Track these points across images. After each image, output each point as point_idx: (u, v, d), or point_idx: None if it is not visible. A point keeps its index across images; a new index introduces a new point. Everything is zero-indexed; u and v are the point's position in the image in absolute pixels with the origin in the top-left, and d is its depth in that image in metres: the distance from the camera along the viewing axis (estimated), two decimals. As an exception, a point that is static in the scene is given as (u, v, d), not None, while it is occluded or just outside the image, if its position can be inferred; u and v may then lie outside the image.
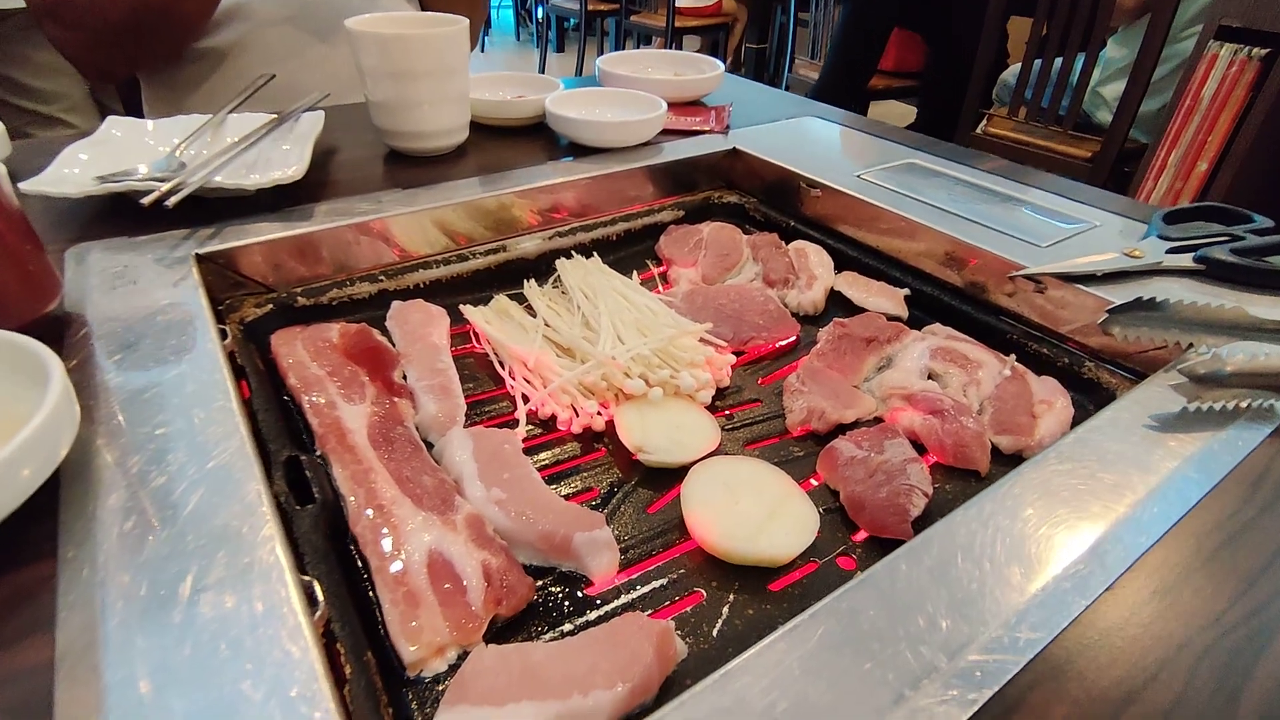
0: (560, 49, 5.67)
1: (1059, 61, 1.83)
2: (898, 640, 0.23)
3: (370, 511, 0.32)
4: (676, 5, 3.67)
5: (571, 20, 5.06)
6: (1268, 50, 1.49)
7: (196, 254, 0.44)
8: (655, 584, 0.32)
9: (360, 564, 0.31)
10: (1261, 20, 1.51)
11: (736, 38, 4.20)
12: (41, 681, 0.20)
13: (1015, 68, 1.98)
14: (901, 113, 3.17)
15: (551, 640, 0.29)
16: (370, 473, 0.34)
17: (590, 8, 4.18)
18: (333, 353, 0.43)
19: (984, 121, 2.11)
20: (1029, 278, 0.47)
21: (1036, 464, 0.31)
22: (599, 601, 0.31)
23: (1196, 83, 1.59)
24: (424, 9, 1.01)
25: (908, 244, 0.56)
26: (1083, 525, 0.27)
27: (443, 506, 0.33)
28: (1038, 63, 1.89)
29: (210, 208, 0.49)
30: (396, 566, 0.30)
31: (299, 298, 0.49)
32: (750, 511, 0.34)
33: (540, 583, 0.32)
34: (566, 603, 0.31)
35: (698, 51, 3.67)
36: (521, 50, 5.78)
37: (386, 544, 0.31)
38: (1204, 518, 0.28)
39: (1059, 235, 0.51)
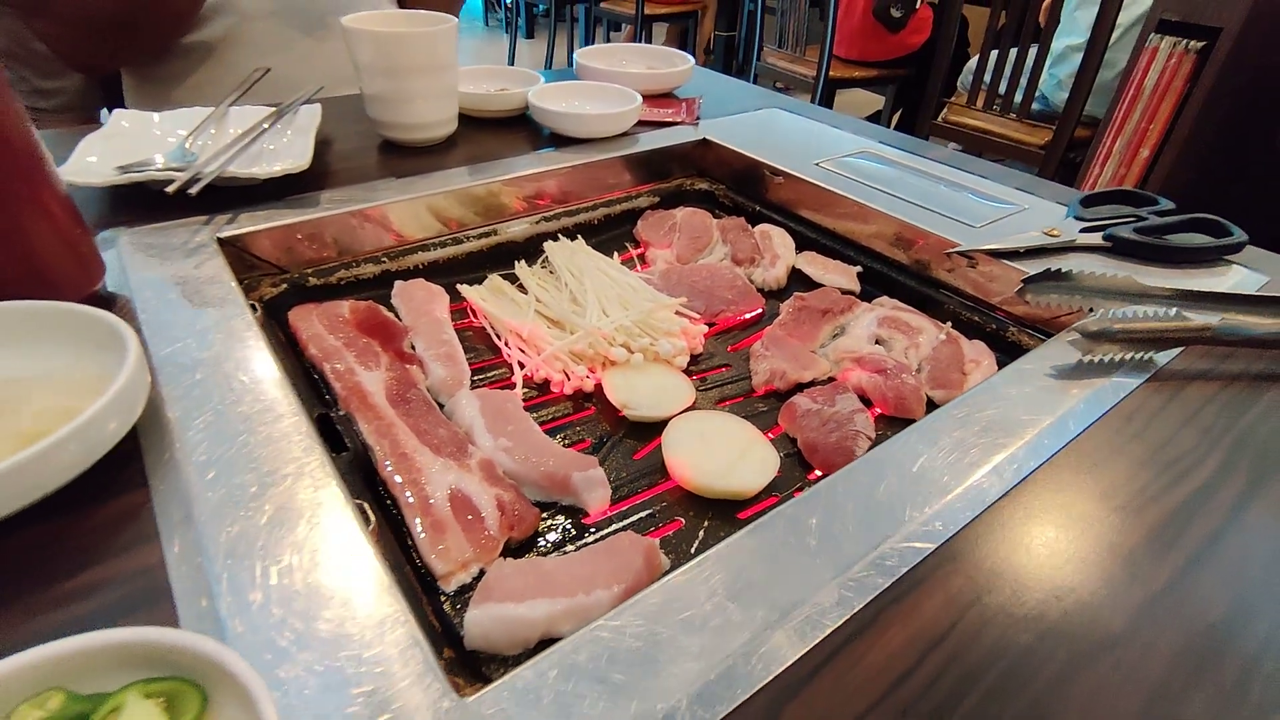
0: (530, 35, 5.63)
1: (1014, 52, 1.92)
2: (834, 538, 0.29)
3: (396, 458, 0.37)
4: (646, -8, 3.69)
5: (540, 6, 5.04)
6: (1203, 43, 1.58)
7: (218, 238, 0.48)
8: (642, 514, 0.38)
9: (390, 502, 0.36)
10: (1198, 14, 1.60)
11: (707, 25, 4.24)
12: (159, 575, 0.25)
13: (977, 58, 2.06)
14: (865, 100, 3.25)
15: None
16: (392, 427, 0.40)
17: (560, -7, 4.16)
18: (346, 326, 0.48)
19: (944, 110, 2.19)
20: (963, 254, 0.53)
21: (954, 405, 0.37)
22: (594, 529, 0.37)
23: (1139, 73, 1.68)
24: (403, 5, 1.04)
25: (861, 226, 0.62)
26: (987, 451, 0.34)
27: (458, 453, 0.38)
28: (994, 53, 1.97)
29: (220, 195, 0.53)
30: (424, 501, 0.35)
31: (310, 278, 0.53)
32: (722, 455, 0.40)
33: (545, 514, 0.37)
34: (568, 528, 0.37)
35: (666, 38, 3.68)
36: (490, 36, 5.73)
37: (414, 484, 0.36)
38: (1088, 444, 0.35)
39: (992, 216, 0.58)
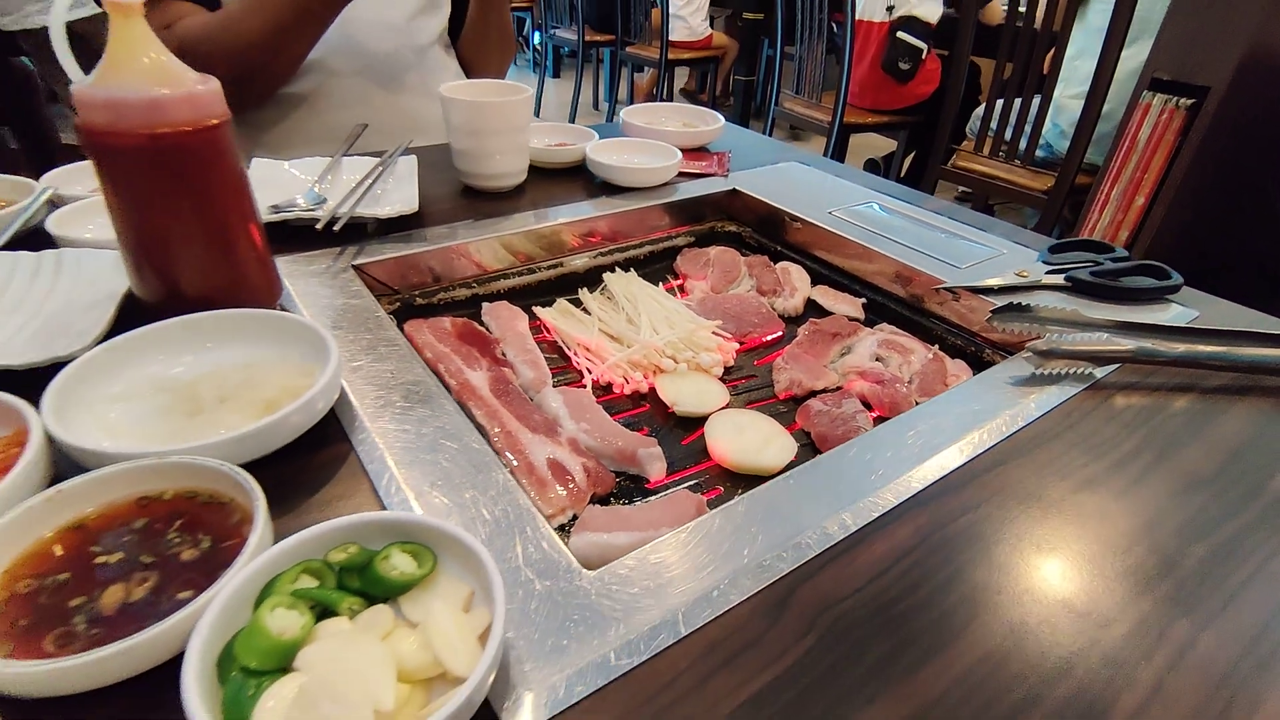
0: (556, 75, 5.88)
1: (1019, 101, 2.05)
2: (829, 490, 0.40)
3: (504, 435, 0.49)
4: (669, 39, 3.89)
5: (566, 48, 5.28)
6: (1193, 100, 1.71)
7: (353, 265, 0.61)
8: (690, 483, 0.49)
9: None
10: (1189, 74, 1.73)
11: (726, 69, 4.44)
12: (369, 490, 0.37)
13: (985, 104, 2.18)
14: (879, 141, 3.39)
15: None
16: (498, 413, 0.51)
17: (587, 38, 4.38)
18: (449, 337, 0.60)
19: (954, 156, 2.32)
20: (948, 290, 0.65)
21: (933, 402, 0.48)
22: (654, 492, 0.48)
23: (1134, 127, 1.80)
24: (460, 57, 1.20)
25: (866, 265, 0.74)
26: (954, 435, 0.45)
27: (550, 433, 0.50)
28: (1000, 101, 2.11)
29: (345, 230, 0.66)
30: (528, 465, 0.47)
31: (417, 298, 0.66)
32: (752, 441, 0.52)
33: (618, 479, 0.49)
34: (634, 490, 0.48)
35: (687, 80, 3.86)
36: (518, 75, 5.97)
37: (519, 453, 0.47)
38: (1030, 434, 0.46)
39: (975, 259, 0.69)
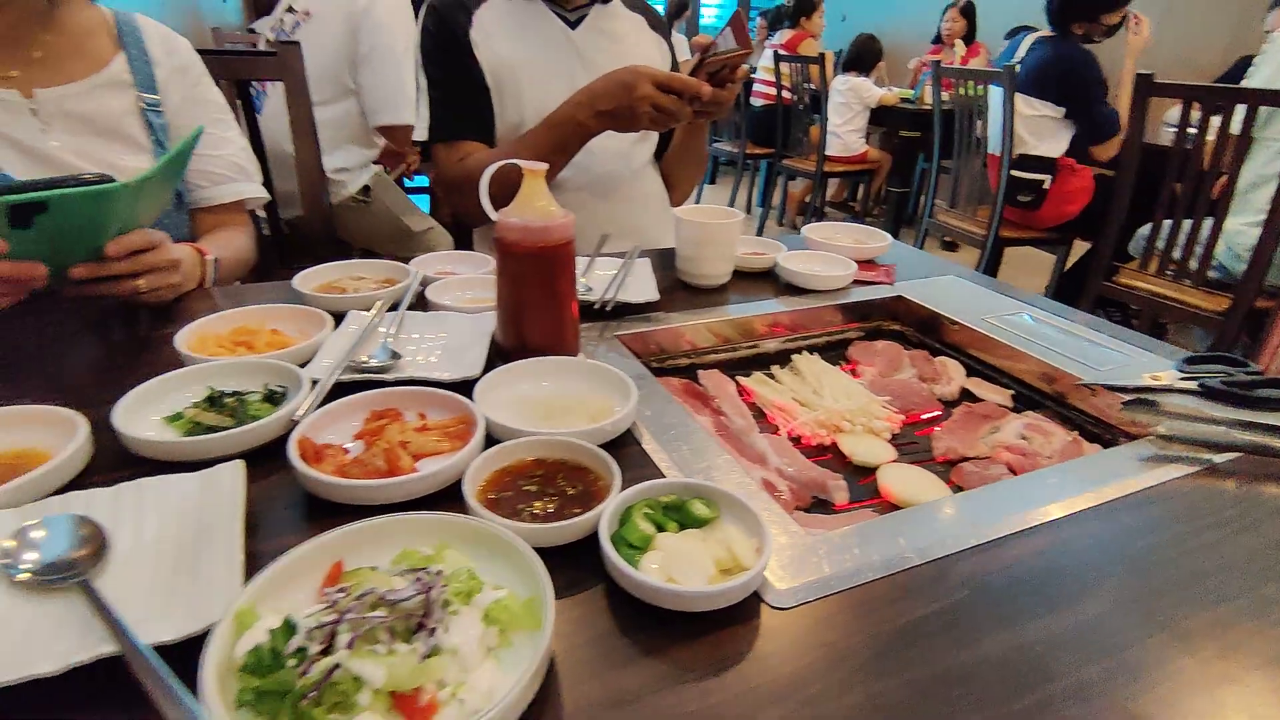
0: (713, 181, 6.36)
1: (1189, 222, 2.06)
2: (979, 515, 0.56)
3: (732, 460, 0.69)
4: (825, 153, 4.18)
5: (724, 158, 5.72)
6: (1384, 230, 1.67)
7: (617, 335, 0.85)
8: (866, 509, 0.66)
9: (726, 481, 0.67)
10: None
11: (879, 181, 4.65)
12: (658, 469, 0.58)
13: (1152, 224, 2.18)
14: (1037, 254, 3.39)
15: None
16: (724, 445, 0.71)
17: (747, 151, 4.77)
18: (680, 391, 0.82)
19: (1116, 274, 2.33)
20: (1087, 386, 0.78)
21: (1066, 464, 0.62)
22: (839, 512, 0.66)
23: (1316, 254, 1.77)
24: (663, 173, 1.49)
25: (1015, 364, 0.88)
26: (1078, 490, 0.59)
27: (761, 463, 0.69)
28: (1168, 223, 2.12)
29: (596, 312, 0.91)
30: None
31: (653, 363, 0.89)
32: (916, 485, 0.68)
33: (812, 499, 0.67)
34: (823, 510, 0.66)
35: (837, 190, 4.10)
36: (681, 181, 6.46)
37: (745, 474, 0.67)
38: (1140, 497, 0.59)
39: (1113, 364, 0.82)
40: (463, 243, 1.69)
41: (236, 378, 0.65)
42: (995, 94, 2.67)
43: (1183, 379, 0.77)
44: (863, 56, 4.14)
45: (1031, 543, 0.53)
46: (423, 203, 4.25)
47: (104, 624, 0.39)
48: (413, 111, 1.92)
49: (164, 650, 0.38)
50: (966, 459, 0.74)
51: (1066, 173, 2.69)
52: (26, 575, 0.42)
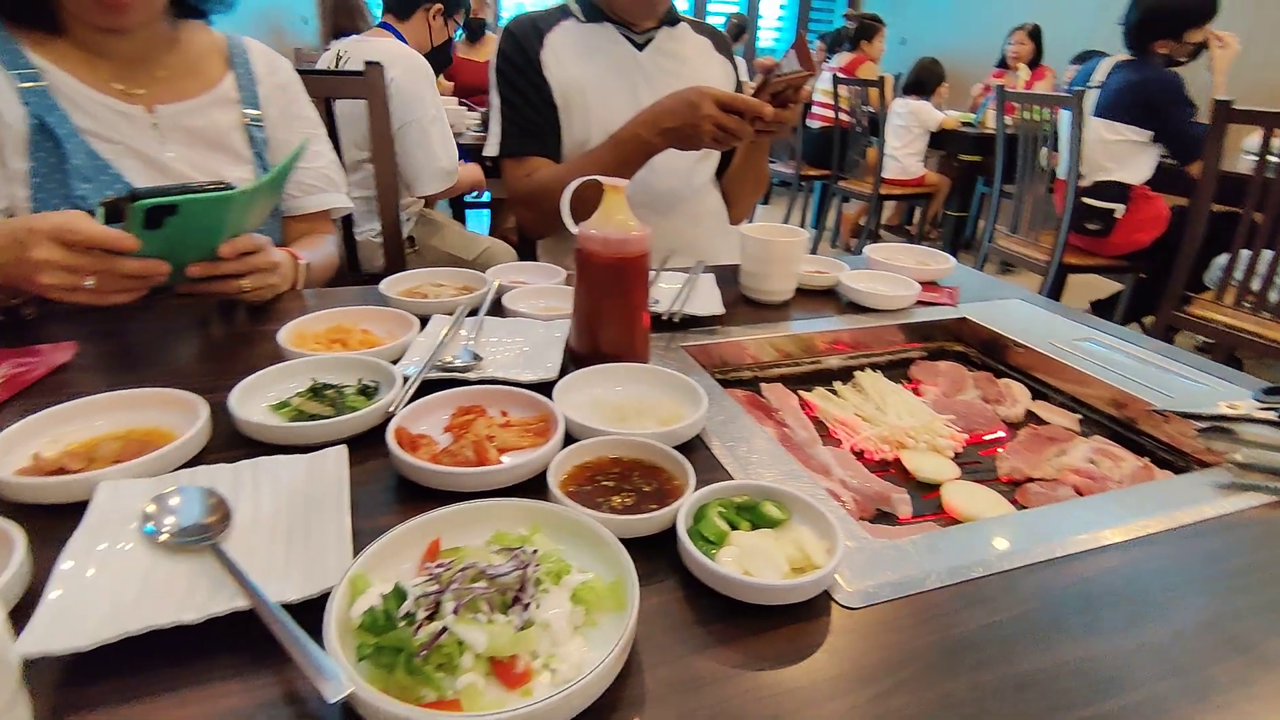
0: (766, 201, 6.36)
1: (1269, 253, 1.99)
2: (1045, 531, 0.56)
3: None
4: (883, 176, 4.15)
5: (777, 179, 5.71)
6: None
7: (683, 346, 0.88)
8: (929, 523, 0.67)
9: (790, 490, 0.69)
10: None
11: (936, 205, 4.59)
12: (723, 469, 0.60)
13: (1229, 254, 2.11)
14: (1104, 284, 3.30)
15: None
16: (788, 459, 0.73)
17: (803, 172, 4.77)
18: (744, 402, 0.84)
19: (1189, 304, 2.25)
20: (1159, 413, 0.77)
21: (1137, 487, 0.62)
22: (902, 525, 0.67)
23: None
24: (722, 191, 1.52)
25: (1083, 389, 0.88)
26: (1145, 514, 0.59)
27: (825, 473, 0.71)
28: (1246, 252, 2.05)
29: (663, 323, 0.94)
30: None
31: (716, 374, 0.91)
32: (980, 502, 0.68)
33: (875, 512, 0.68)
34: (888, 522, 0.67)
35: (893, 212, 4.06)
36: (733, 201, 6.50)
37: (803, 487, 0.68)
38: (1215, 523, 0.58)
39: (1187, 391, 0.81)
40: (525, 255, 1.75)
41: (334, 372, 0.70)
42: (1067, 118, 2.62)
43: (1261, 409, 0.76)
44: (924, 80, 4.12)
45: (1102, 561, 0.53)
46: (480, 217, 4.40)
47: (235, 582, 0.43)
48: (444, 179, 2.00)
49: (285, 609, 0.42)
50: (1032, 480, 0.74)
51: (1141, 201, 2.62)
52: (166, 537, 0.47)
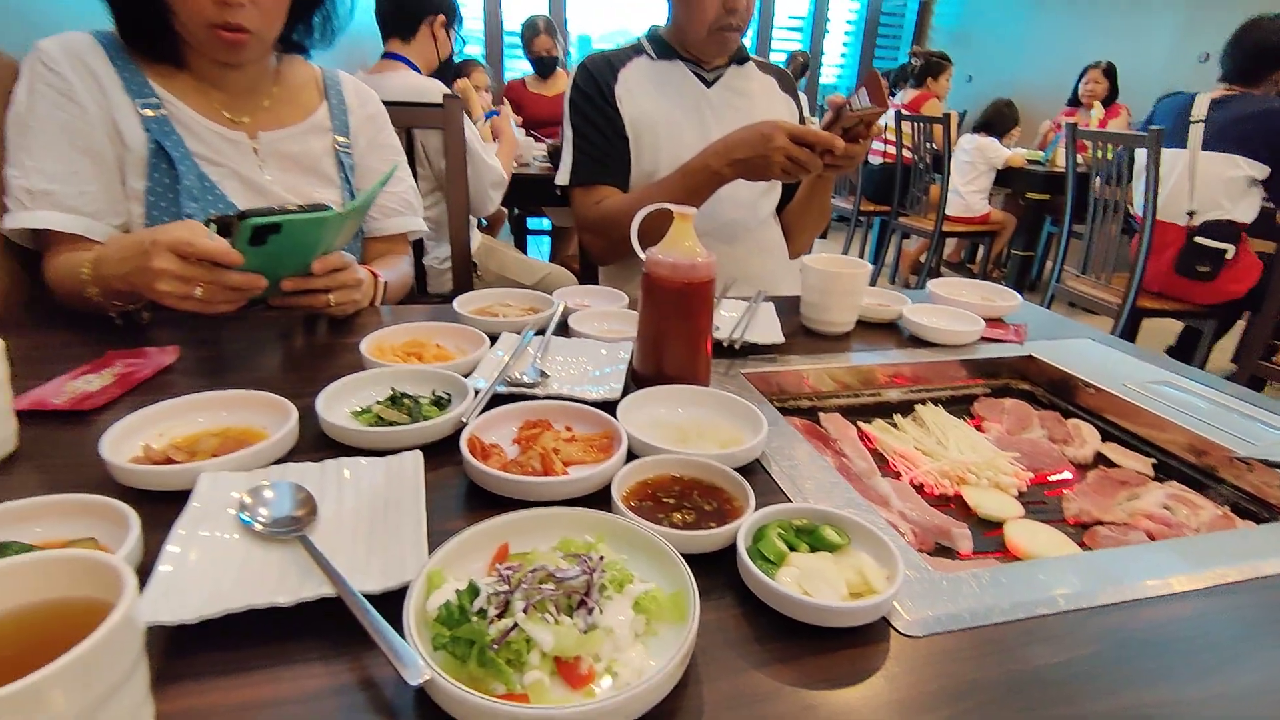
0: (823, 236, 6.34)
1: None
2: (1115, 573, 0.55)
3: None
4: (945, 213, 4.09)
5: (835, 212, 5.67)
6: None
7: (743, 373, 0.89)
8: (991, 560, 0.66)
9: (848, 519, 0.69)
10: None
11: (1000, 244, 4.48)
12: (782, 493, 0.61)
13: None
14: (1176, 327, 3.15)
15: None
16: (847, 488, 0.73)
17: (862, 208, 4.74)
18: (802, 431, 0.85)
19: (1276, 353, 2.14)
20: (1242, 460, 0.74)
21: (1214, 534, 0.60)
22: (963, 560, 0.66)
23: None
24: (783, 224, 1.53)
25: (1158, 433, 0.85)
26: (1223, 563, 0.56)
27: (883, 504, 0.70)
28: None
29: (723, 350, 0.95)
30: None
31: (774, 402, 0.92)
32: (1046, 542, 0.67)
33: (935, 546, 0.67)
34: (948, 556, 0.66)
35: (954, 249, 3.96)
36: (790, 235, 6.50)
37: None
38: (1314, 578, 0.56)
39: (1271, 439, 0.77)
40: (587, 281, 1.79)
41: (410, 382, 0.74)
42: (1167, 155, 2.52)
43: (1355, 461, 0.72)
44: (996, 122, 4.05)
45: (1175, 608, 0.52)
46: (541, 243, 4.52)
47: (322, 572, 0.46)
48: (499, 190, 2.07)
49: (368, 600, 0.44)
50: (1101, 523, 0.72)
51: (1244, 243, 2.48)
52: (260, 526, 0.51)
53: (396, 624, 0.42)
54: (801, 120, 1.50)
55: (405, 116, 1.66)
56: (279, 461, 0.61)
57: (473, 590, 0.43)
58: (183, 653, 0.43)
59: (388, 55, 2.02)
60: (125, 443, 0.61)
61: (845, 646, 0.46)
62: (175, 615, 0.41)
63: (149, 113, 0.98)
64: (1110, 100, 4.53)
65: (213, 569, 0.47)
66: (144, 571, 0.46)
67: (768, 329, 1.00)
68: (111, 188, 0.97)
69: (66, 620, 0.33)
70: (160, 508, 0.53)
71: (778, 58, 6.38)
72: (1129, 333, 2.69)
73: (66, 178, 0.93)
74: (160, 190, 0.98)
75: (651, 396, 0.73)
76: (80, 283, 0.86)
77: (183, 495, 0.53)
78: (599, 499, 0.58)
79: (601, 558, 0.45)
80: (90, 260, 0.86)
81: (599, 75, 1.34)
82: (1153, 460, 0.83)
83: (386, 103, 1.33)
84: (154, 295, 0.77)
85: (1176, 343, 3.15)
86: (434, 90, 1.92)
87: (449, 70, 2.23)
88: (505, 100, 2.61)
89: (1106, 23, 5.28)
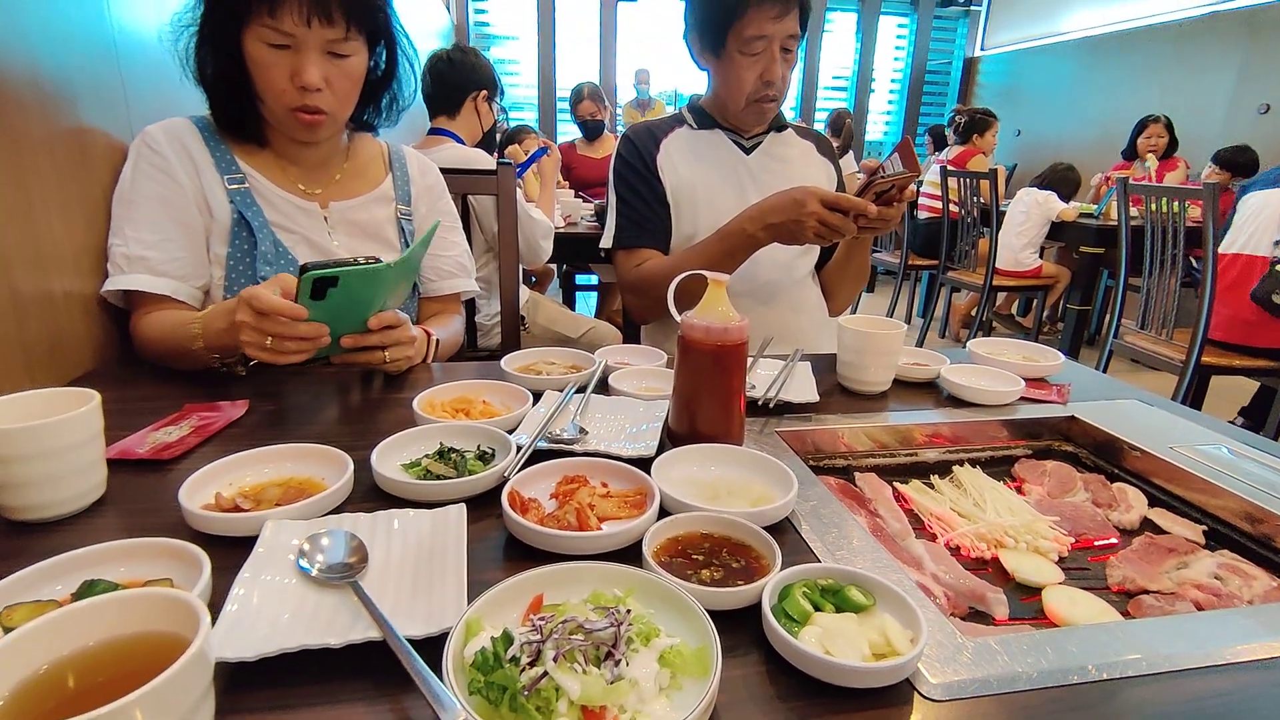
0: (871, 290, 6.30)
1: None
2: (1133, 644, 0.53)
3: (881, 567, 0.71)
4: (996, 266, 4.04)
5: (882, 268, 5.64)
6: None
7: (777, 431, 0.91)
8: (1027, 626, 0.65)
9: (880, 580, 0.69)
10: None
11: (1055, 297, 4.38)
12: (812, 554, 0.62)
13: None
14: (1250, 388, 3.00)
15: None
16: (877, 548, 0.73)
17: (910, 261, 4.72)
18: (836, 491, 0.85)
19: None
20: (1298, 531, 0.72)
21: (1260, 608, 0.58)
22: (998, 625, 0.65)
23: None
24: (822, 283, 1.55)
25: (1209, 499, 0.82)
26: (1274, 637, 0.55)
27: (917, 567, 0.70)
28: None
29: (758, 408, 0.97)
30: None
31: (809, 461, 0.93)
32: (1087, 610, 0.65)
33: (969, 610, 0.67)
34: (983, 621, 0.65)
35: (1003, 302, 3.88)
36: (837, 289, 6.49)
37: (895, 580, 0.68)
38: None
39: (1332, 510, 0.74)
40: (629, 337, 1.84)
41: (458, 437, 0.79)
42: (1258, 197, 2.48)
43: None
44: (1055, 185, 4.01)
45: (1218, 682, 0.50)
46: (589, 298, 4.63)
47: (370, 616, 0.50)
48: (549, 238, 2.16)
49: (410, 644, 0.47)
50: (1147, 592, 0.70)
51: None
52: (316, 572, 0.55)
53: (436, 668, 0.44)
54: (841, 181, 1.54)
55: (462, 184, 1.77)
56: (335, 510, 0.65)
57: (507, 638, 0.46)
58: (239, 688, 0.46)
59: (434, 131, 2.15)
60: (199, 491, 0.66)
61: (867, 707, 0.47)
62: (238, 653, 0.45)
63: (234, 186, 1.08)
64: (1169, 153, 4.45)
65: (272, 611, 0.51)
66: (213, 610, 0.50)
67: (803, 388, 1.01)
68: (198, 254, 1.07)
69: (148, 652, 0.37)
70: (229, 551, 0.57)
71: (822, 115, 6.50)
72: (1197, 390, 2.58)
73: (160, 245, 1.03)
74: (239, 255, 1.08)
75: (685, 454, 0.76)
76: (190, 337, 0.95)
77: (248, 540, 0.58)
78: (631, 553, 0.60)
79: (629, 611, 0.47)
80: (201, 318, 0.94)
81: (642, 145, 1.42)
82: (1204, 527, 0.80)
83: (445, 170, 1.43)
84: (240, 345, 0.84)
85: (1250, 403, 3.00)
86: (480, 159, 2.03)
87: (492, 140, 2.36)
88: (552, 145, 2.70)
89: (1159, 76, 5.24)
